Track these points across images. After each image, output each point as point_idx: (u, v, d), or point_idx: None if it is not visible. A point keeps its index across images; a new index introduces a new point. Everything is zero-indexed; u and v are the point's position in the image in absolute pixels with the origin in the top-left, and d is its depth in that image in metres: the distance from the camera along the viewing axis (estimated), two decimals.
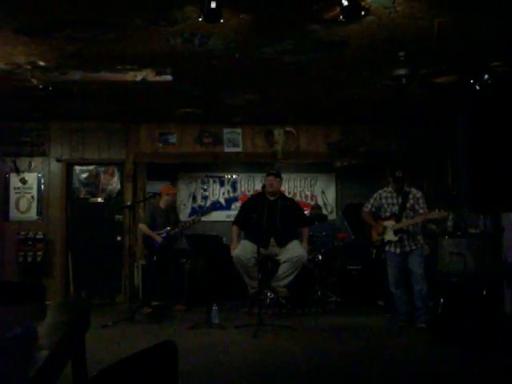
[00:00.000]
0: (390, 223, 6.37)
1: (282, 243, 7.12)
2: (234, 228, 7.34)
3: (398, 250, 6.29)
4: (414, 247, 6.26)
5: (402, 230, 6.28)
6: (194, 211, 10.20)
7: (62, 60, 5.65)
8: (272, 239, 7.12)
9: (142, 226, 7.68)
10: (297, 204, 7.83)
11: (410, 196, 6.35)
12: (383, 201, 6.51)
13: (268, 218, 6.88)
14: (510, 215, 6.39)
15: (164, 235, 7.51)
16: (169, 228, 7.55)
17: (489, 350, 4.96)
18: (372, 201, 6.63)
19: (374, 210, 6.61)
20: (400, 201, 6.37)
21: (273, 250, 7.14)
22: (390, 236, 6.34)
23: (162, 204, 7.84)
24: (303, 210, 7.96)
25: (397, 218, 6.33)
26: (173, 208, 8.15)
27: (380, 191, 6.61)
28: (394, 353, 5.40)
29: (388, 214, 6.44)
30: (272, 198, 7.22)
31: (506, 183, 6.68)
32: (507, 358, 4.86)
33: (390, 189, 6.50)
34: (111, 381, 1.76)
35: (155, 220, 7.69)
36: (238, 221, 7.40)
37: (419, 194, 6.39)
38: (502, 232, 6.47)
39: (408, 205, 6.32)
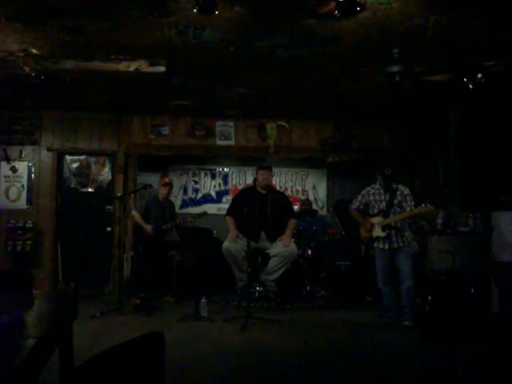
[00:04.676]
0: (377, 219, 6.42)
1: (273, 237, 7.13)
2: (229, 218, 7.31)
3: (387, 246, 6.33)
4: (401, 244, 6.31)
5: (389, 226, 6.32)
6: (184, 203, 10.19)
7: (55, 48, 5.61)
8: (263, 233, 7.13)
9: (135, 214, 7.76)
10: (287, 198, 7.84)
11: (398, 193, 6.39)
12: (371, 198, 6.54)
13: (259, 211, 6.89)
14: (500, 214, 6.42)
15: (159, 228, 7.56)
16: (163, 227, 7.61)
17: (476, 349, 4.99)
18: (360, 198, 6.66)
19: (361, 207, 6.64)
20: (387, 198, 6.41)
21: (263, 243, 7.14)
22: (377, 232, 6.39)
23: (160, 196, 7.89)
24: (292, 205, 7.94)
25: (384, 214, 6.37)
26: (170, 202, 8.22)
27: (368, 188, 6.64)
28: (380, 349, 5.43)
29: (376, 211, 6.48)
30: (263, 192, 7.22)
31: (497, 182, 6.71)
32: (494, 356, 4.89)
33: (377, 186, 6.54)
34: (97, 370, 1.76)
35: (150, 211, 7.72)
36: (231, 213, 7.39)
37: (407, 191, 6.42)
38: (491, 231, 6.49)
39: (395, 201, 6.36)
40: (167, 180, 8.19)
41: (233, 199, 7.86)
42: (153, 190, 8.33)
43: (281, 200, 7.41)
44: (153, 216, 7.73)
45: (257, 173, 7.33)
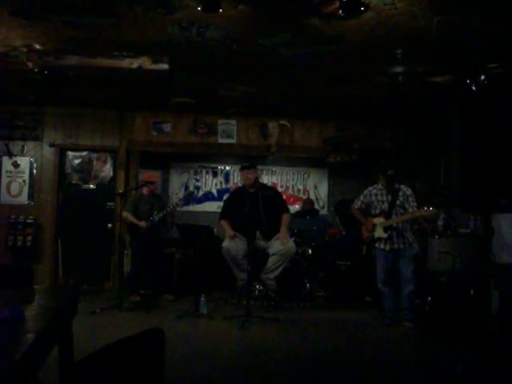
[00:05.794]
0: (379, 220, 6.39)
1: (268, 236, 7.10)
2: (223, 222, 7.30)
3: (388, 247, 6.32)
4: (402, 246, 6.28)
5: (391, 227, 6.30)
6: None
7: (59, 44, 5.61)
8: (258, 232, 7.10)
9: (125, 214, 7.66)
10: (278, 192, 7.81)
11: (400, 193, 6.36)
12: (373, 198, 6.52)
13: (251, 211, 6.83)
14: (501, 217, 6.41)
15: (152, 220, 7.51)
16: (156, 218, 7.54)
17: (475, 350, 4.99)
18: (362, 197, 6.64)
19: (363, 206, 6.62)
20: (390, 198, 6.39)
21: (260, 243, 7.11)
22: (379, 233, 6.36)
23: (145, 191, 7.80)
24: (284, 199, 7.89)
25: (386, 215, 6.34)
26: (156, 195, 8.10)
27: (370, 188, 6.61)
28: (379, 349, 5.43)
29: (378, 211, 6.45)
30: (252, 190, 7.20)
31: (498, 185, 6.71)
32: (493, 357, 4.89)
33: (379, 186, 6.51)
34: (97, 366, 1.77)
35: (138, 207, 7.66)
36: (224, 217, 7.37)
37: (409, 192, 6.39)
38: (491, 233, 6.49)
39: (398, 202, 6.34)
40: (152, 176, 8.11)
41: (224, 202, 7.84)
42: (153, 188, 8.28)
43: (271, 196, 7.35)
44: (142, 212, 7.64)
45: (240, 173, 7.34)
